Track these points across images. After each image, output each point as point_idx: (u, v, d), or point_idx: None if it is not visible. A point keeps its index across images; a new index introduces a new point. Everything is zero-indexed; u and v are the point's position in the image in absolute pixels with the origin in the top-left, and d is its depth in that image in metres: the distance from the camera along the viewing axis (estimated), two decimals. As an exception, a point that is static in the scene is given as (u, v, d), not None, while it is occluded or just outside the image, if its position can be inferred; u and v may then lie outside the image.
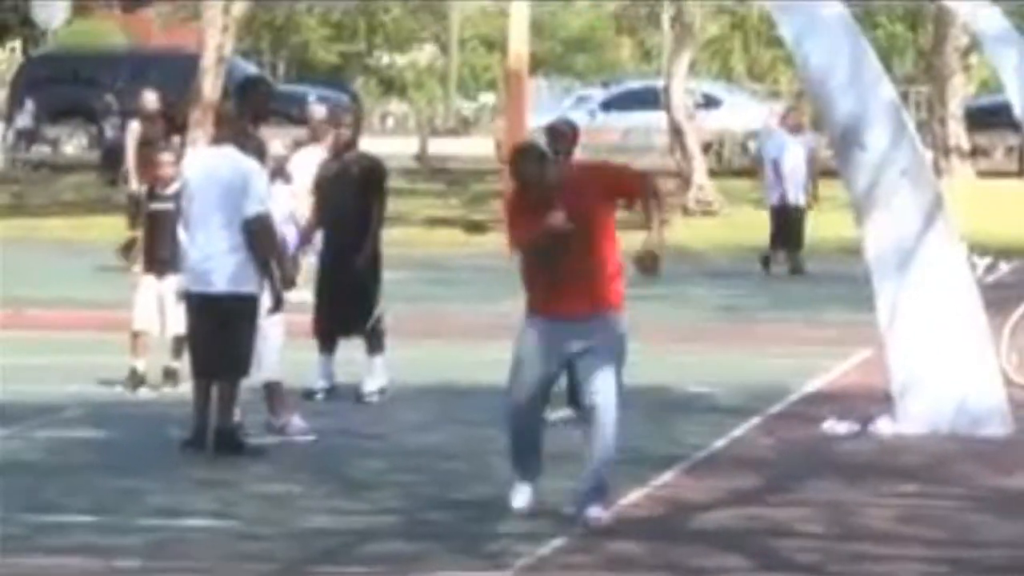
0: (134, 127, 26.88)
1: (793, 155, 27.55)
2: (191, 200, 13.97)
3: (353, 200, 16.19)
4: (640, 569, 10.10)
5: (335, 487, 12.72)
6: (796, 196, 27.32)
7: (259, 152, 14.16)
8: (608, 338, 11.36)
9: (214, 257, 13.70)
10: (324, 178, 16.23)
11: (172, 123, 25.28)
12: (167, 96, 24.37)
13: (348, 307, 16.13)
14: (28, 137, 45.03)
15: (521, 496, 11.55)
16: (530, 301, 11.55)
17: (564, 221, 11.16)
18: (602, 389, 11.25)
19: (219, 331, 13.70)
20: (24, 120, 44.52)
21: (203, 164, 14.34)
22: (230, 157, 13.92)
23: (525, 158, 11.60)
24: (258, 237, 13.64)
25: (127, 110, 27.94)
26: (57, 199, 38.08)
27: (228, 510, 11.87)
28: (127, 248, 21.80)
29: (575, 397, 13.53)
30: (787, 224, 27.64)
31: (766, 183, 28.60)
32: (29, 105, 44.33)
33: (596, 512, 11.15)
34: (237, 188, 13.66)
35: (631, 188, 11.71)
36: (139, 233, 17.59)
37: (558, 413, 13.10)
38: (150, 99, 26.98)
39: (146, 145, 25.04)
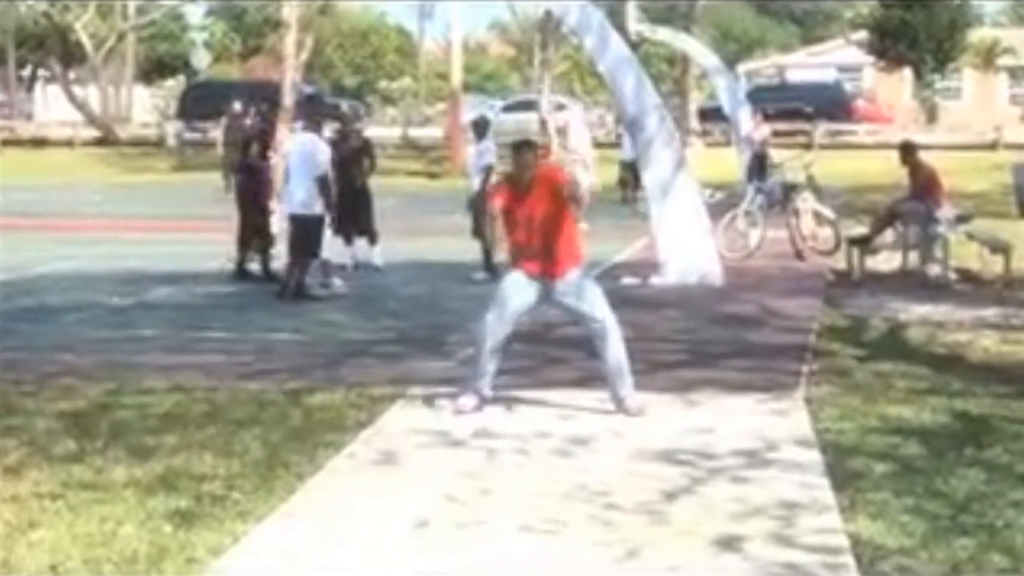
0: (225, 121, 28.05)
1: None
2: (289, 161, 13.86)
3: (357, 163, 15.88)
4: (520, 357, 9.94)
5: (359, 316, 12.57)
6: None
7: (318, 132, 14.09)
8: (575, 284, 8.42)
9: (298, 192, 13.54)
10: (340, 152, 15.82)
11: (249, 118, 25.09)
12: (258, 107, 23.99)
13: (357, 219, 15.73)
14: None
15: (468, 401, 8.41)
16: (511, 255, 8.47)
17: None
18: (599, 315, 8.42)
19: (300, 233, 13.53)
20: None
21: (296, 142, 14.19)
22: (310, 138, 13.81)
23: (525, 149, 8.30)
24: (322, 184, 13.48)
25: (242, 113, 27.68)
26: (208, 162, 37.51)
27: (301, 328, 11.74)
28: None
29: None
30: None
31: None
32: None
33: (637, 401, 8.39)
34: (312, 156, 13.48)
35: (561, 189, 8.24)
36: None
37: None
38: (236, 105, 27.60)
39: (232, 130, 26.15)
